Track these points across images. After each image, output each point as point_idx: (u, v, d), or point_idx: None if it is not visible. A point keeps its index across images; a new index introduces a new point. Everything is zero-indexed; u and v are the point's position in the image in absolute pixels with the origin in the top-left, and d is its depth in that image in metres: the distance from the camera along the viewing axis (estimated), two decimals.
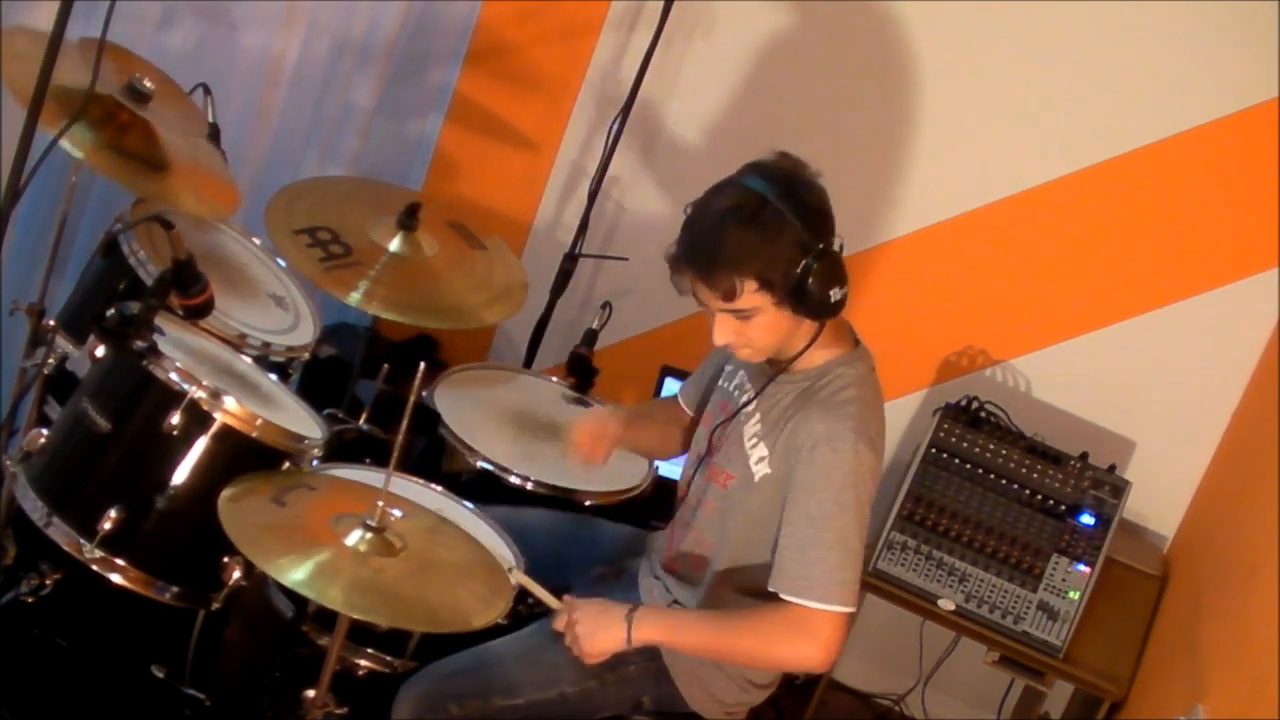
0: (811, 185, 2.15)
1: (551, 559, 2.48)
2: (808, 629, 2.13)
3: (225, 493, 2.17)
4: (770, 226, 2.09)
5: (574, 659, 2.28)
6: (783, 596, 2.14)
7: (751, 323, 2.15)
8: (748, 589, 2.26)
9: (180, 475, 2.27)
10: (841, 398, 2.19)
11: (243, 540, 2.08)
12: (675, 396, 2.63)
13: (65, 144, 2.30)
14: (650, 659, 2.32)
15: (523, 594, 2.36)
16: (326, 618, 2.36)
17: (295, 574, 2.02)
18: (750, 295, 2.11)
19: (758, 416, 2.27)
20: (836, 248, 2.15)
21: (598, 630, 2.20)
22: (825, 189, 2.17)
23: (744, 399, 2.31)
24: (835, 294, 2.13)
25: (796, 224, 2.09)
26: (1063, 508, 3.14)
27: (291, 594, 2.42)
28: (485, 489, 2.68)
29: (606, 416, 2.54)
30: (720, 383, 2.43)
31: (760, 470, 2.24)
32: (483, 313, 2.77)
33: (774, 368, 2.28)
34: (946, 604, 3.04)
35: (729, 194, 2.14)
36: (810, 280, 2.10)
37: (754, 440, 2.26)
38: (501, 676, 2.29)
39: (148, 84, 2.42)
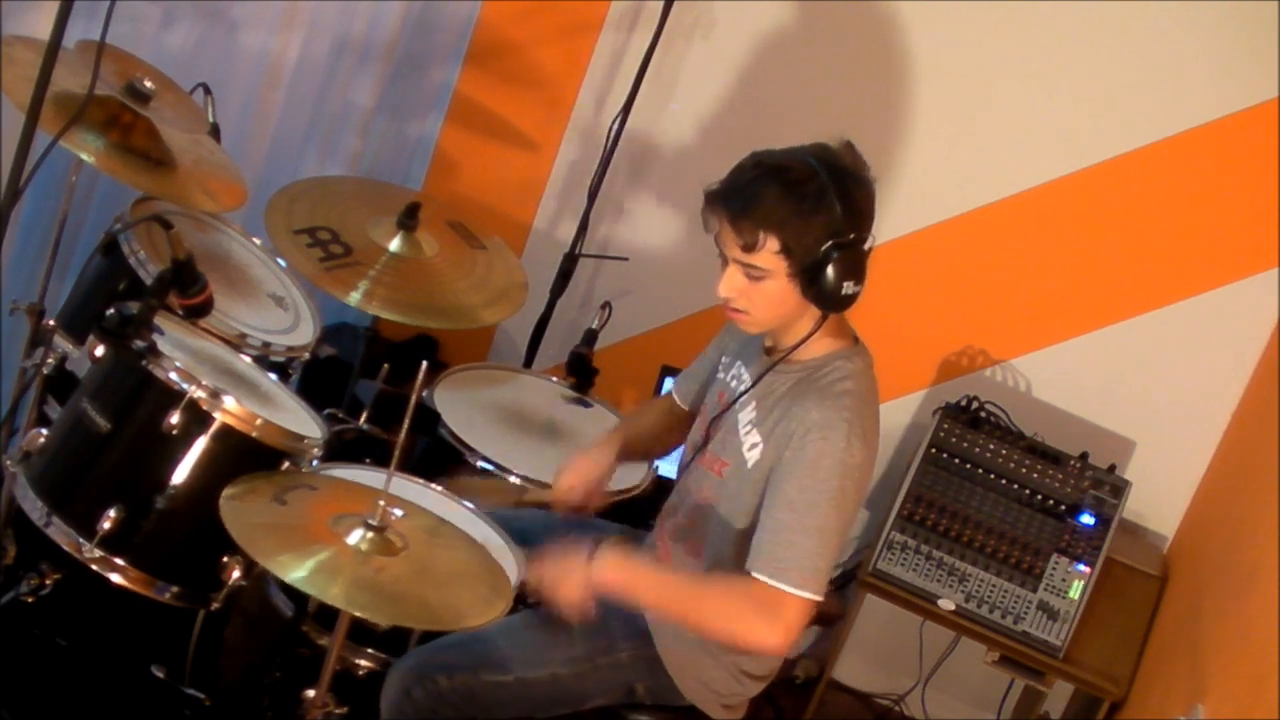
0: (862, 181, 2.17)
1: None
2: (773, 611, 2.12)
3: (226, 492, 2.17)
4: (809, 199, 2.11)
5: (566, 641, 2.28)
6: (756, 576, 2.13)
7: (759, 286, 2.16)
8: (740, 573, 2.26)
9: (180, 475, 2.27)
10: (839, 389, 2.19)
11: (244, 539, 2.07)
12: (670, 393, 2.63)
13: (74, 149, 2.33)
14: (643, 645, 2.32)
15: (523, 595, 2.36)
16: (326, 617, 2.36)
17: (296, 572, 2.01)
18: (768, 255, 2.12)
19: (753, 404, 2.28)
20: (866, 247, 2.16)
21: (562, 581, 2.18)
22: (874, 191, 2.18)
23: (741, 389, 2.31)
24: (849, 287, 2.14)
25: (835, 208, 2.11)
26: (1063, 508, 3.15)
27: (291, 594, 2.42)
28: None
29: (587, 463, 2.49)
30: (719, 375, 2.43)
31: (753, 457, 2.24)
32: (483, 313, 2.77)
33: (772, 356, 2.28)
34: (946, 604, 3.04)
35: (785, 157, 2.16)
36: (829, 265, 2.11)
37: (748, 427, 2.27)
38: (493, 651, 2.29)
39: (148, 84, 2.42)
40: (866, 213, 2.17)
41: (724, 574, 2.21)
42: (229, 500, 2.15)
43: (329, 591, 2.01)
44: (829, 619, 3.42)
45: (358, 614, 2.04)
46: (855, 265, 2.14)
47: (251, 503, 2.18)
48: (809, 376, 2.23)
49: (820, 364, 2.24)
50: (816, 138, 2.21)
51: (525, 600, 2.37)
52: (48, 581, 2.37)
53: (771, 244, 2.11)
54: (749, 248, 2.12)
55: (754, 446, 2.24)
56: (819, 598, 2.14)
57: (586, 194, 3.43)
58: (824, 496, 2.14)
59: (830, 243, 2.11)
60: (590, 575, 2.17)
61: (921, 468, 3.19)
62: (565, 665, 2.30)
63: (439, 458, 2.75)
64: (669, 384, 3.38)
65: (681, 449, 2.50)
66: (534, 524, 2.58)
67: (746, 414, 2.28)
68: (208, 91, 2.71)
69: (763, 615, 2.13)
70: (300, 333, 2.77)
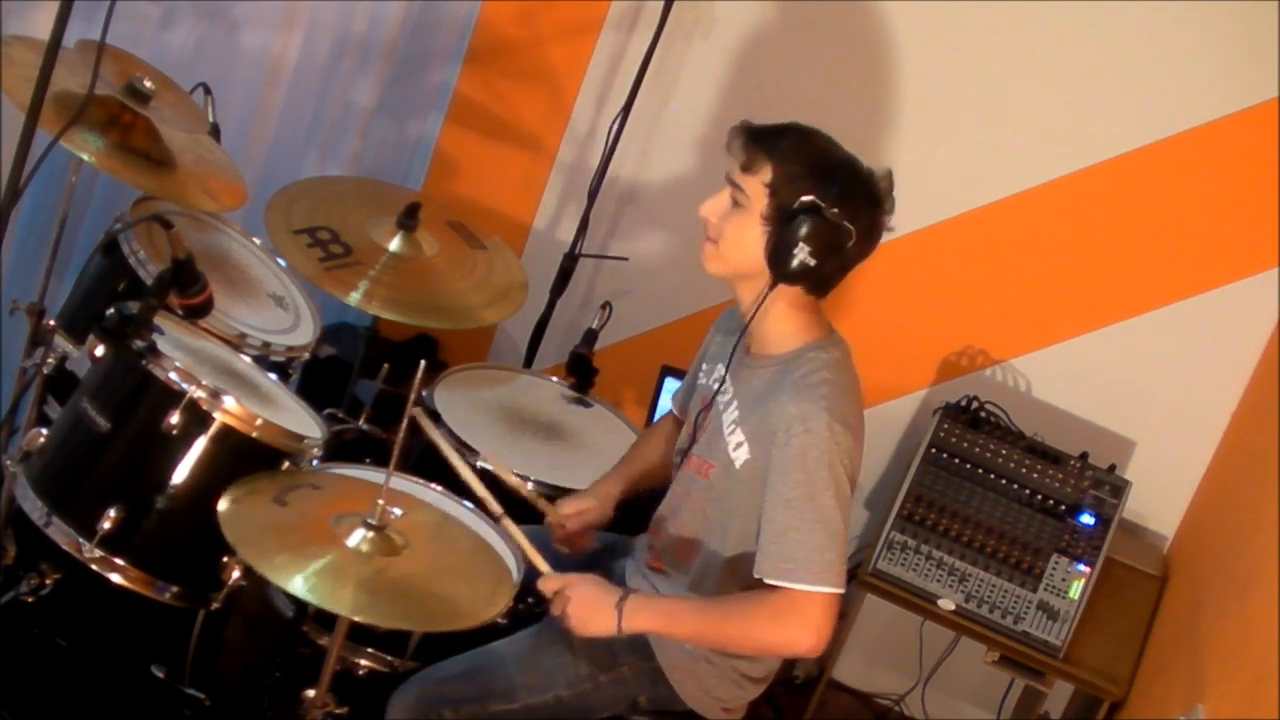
0: (876, 198, 2.19)
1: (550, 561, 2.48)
2: (796, 613, 2.12)
3: (225, 498, 2.17)
4: (819, 162, 2.16)
5: (570, 661, 2.28)
6: (768, 581, 2.14)
7: (735, 216, 2.20)
8: (735, 578, 2.26)
9: (180, 475, 2.27)
10: (814, 379, 2.19)
11: (244, 543, 2.07)
12: (669, 411, 2.64)
13: (74, 149, 2.33)
14: (645, 658, 2.32)
15: (523, 593, 2.36)
16: (326, 618, 2.36)
17: (297, 580, 2.01)
18: (757, 184, 2.16)
19: (735, 404, 2.28)
20: (848, 241, 2.15)
21: (589, 616, 2.19)
22: (881, 221, 2.20)
23: (718, 387, 2.32)
24: (803, 253, 2.13)
25: (835, 184, 2.15)
26: (1063, 508, 3.15)
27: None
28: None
29: (589, 502, 2.50)
30: (699, 380, 2.44)
31: (740, 457, 2.24)
32: (483, 313, 2.77)
33: (748, 349, 2.29)
34: (946, 604, 3.04)
35: (825, 134, 2.23)
36: (798, 220, 2.12)
37: (732, 427, 2.27)
38: (497, 680, 2.28)
39: (148, 84, 2.42)
40: (861, 215, 2.15)
41: (743, 590, 2.20)
42: (228, 506, 2.15)
43: (330, 599, 2.00)
44: None
45: (360, 620, 2.04)
46: (823, 239, 2.13)
47: (251, 505, 2.18)
48: (784, 371, 2.22)
49: (794, 356, 2.23)
50: None
51: (526, 600, 2.37)
52: (48, 581, 2.37)
53: (764, 173, 2.15)
54: (746, 167, 2.17)
55: (739, 446, 2.24)
56: (838, 590, 2.13)
57: (586, 194, 3.43)
58: (818, 488, 2.13)
59: (810, 198, 2.12)
60: (621, 624, 2.17)
61: (921, 468, 3.19)
62: (568, 687, 2.30)
63: (438, 457, 2.74)
64: (669, 384, 3.41)
65: None
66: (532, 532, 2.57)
67: (730, 414, 2.28)
68: (208, 91, 2.71)
69: (786, 620, 2.13)
70: (300, 333, 2.77)
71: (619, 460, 2.65)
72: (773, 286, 2.19)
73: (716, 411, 2.31)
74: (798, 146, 2.17)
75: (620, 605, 2.18)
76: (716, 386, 2.34)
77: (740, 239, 2.19)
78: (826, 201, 2.13)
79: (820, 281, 2.19)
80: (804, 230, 2.12)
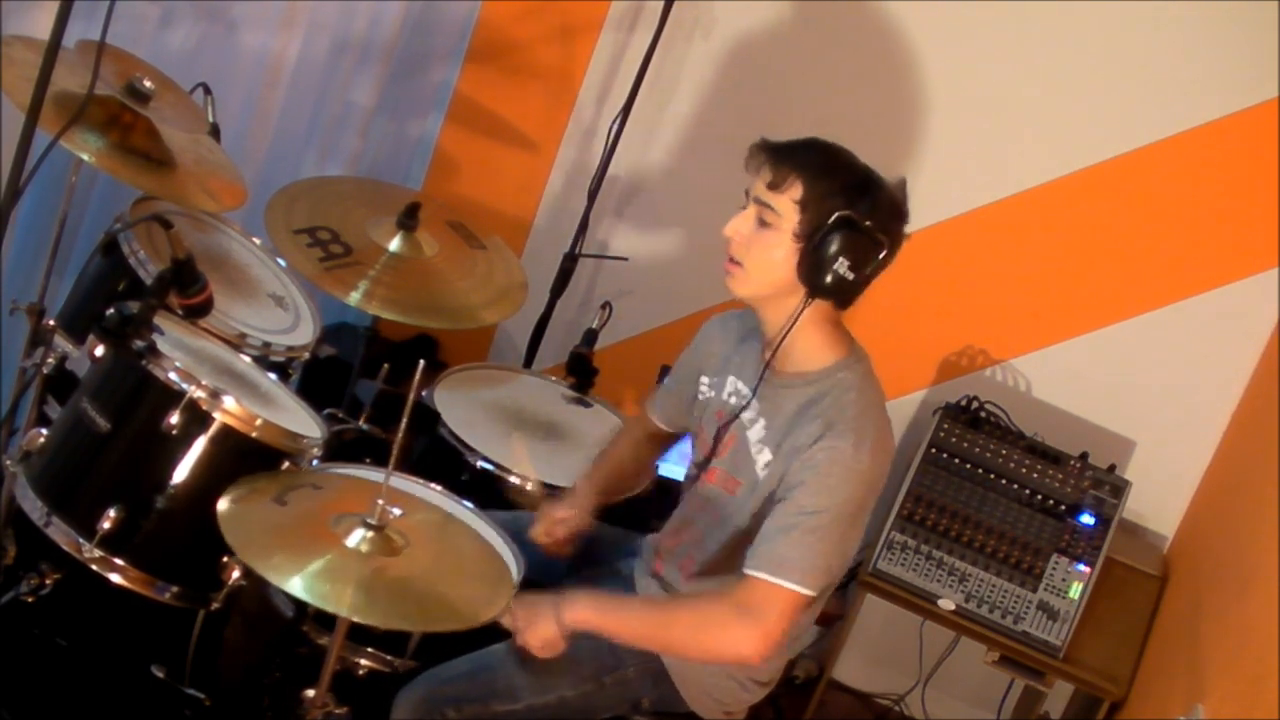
0: (900, 209, 2.19)
1: (546, 560, 2.48)
2: (754, 611, 2.11)
3: (224, 499, 2.16)
4: (847, 176, 2.16)
5: (572, 662, 2.28)
6: (745, 571, 2.14)
7: (763, 235, 2.17)
8: None
9: (180, 475, 2.26)
10: (844, 401, 2.19)
11: (243, 544, 2.07)
12: (645, 417, 2.62)
13: (74, 149, 2.33)
14: (649, 660, 2.32)
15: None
16: (326, 617, 2.36)
17: (295, 578, 2.01)
18: (787, 201, 2.14)
19: (762, 422, 2.27)
20: (880, 253, 2.16)
21: (532, 622, 2.19)
22: (904, 228, 2.19)
23: (742, 404, 2.31)
24: (843, 268, 2.13)
25: (866, 196, 2.14)
26: (1063, 508, 3.15)
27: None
28: (485, 489, 2.68)
29: (564, 514, 2.50)
30: (708, 394, 2.40)
31: (764, 474, 2.24)
32: (483, 313, 2.77)
33: (770, 364, 2.27)
34: (946, 604, 3.04)
35: (844, 148, 2.22)
36: (837, 235, 2.12)
37: (759, 446, 2.26)
38: (500, 681, 2.28)
39: (148, 84, 2.42)
40: (891, 227, 2.17)
41: (697, 590, 2.20)
42: (227, 506, 2.15)
43: (329, 599, 2.00)
44: (829, 619, 3.42)
45: (358, 620, 2.04)
46: (861, 253, 2.14)
47: (250, 506, 2.18)
48: (815, 393, 2.22)
49: (823, 377, 2.22)
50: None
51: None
52: (48, 581, 2.37)
53: (795, 190, 2.13)
54: (775, 185, 2.14)
55: (765, 465, 2.25)
56: (813, 593, 2.13)
57: (586, 194, 3.43)
58: (832, 503, 2.14)
59: (847, 213, 2.12)
60: (561, 617, 2.18)
61: (921, 468, 3.19)
62: (573, 687, 2.30)
63: (438, 458, 2.75)
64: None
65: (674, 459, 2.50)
66: (530, 525, 2.57)
67: (756, 432, 2.27)
68: (208, 91, 2.71)
69: (740, 617, 2.12)
70: (300, 333, 2.77)
71: (588, 469, 2.62)
72: (808, 302, 2.19)
73: (740, 427, 2.30)
74: (826, 161, 2.16)
75: (558, 601, 2.18)
76: (733, 401, 2.33)
77: (769, 258, 2.17)
78: (860, 215, 2.13)
79: (851, 294, 2.19)
80: (841, 244, 2.12)
